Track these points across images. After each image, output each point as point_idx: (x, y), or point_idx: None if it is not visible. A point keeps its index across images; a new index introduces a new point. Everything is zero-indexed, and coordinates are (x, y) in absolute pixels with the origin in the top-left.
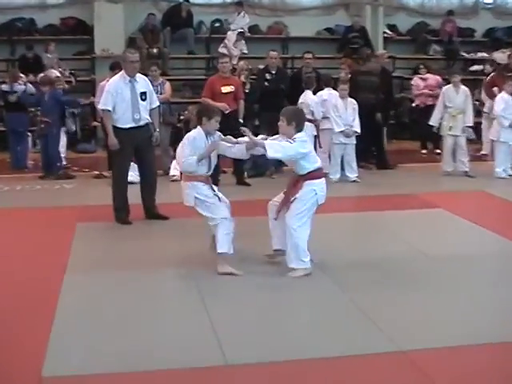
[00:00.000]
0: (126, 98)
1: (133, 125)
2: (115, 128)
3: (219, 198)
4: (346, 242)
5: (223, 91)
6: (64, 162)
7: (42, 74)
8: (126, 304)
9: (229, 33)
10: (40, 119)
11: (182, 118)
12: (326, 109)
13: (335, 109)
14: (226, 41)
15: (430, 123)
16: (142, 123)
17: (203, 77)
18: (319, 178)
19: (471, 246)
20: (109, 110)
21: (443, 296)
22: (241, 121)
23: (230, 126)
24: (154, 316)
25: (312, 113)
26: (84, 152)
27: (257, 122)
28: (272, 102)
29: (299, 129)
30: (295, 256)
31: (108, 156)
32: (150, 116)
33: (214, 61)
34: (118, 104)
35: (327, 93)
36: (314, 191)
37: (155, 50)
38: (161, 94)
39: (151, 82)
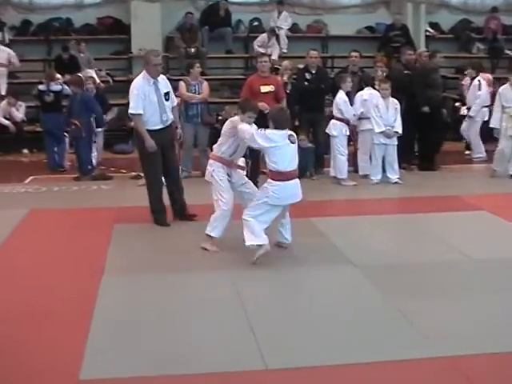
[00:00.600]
0: (153, 101)
1: (161, 126)
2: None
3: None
4: (388, 244)
5: (262, 91)
6: (94, 164)
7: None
8: (164, 306)
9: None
10: (71, 121)
11: (219, 118)
12: (366, 109)
13: (376, 109)
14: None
15: (491, 125)
16: (168, 124)
17: (241, 76)
18: (276, 180)
19: None
20: (140, 114)
21: (488, 300)
22: None
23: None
24: (193, 319)
25: (341, 112)
26: (121, 152)
27: (296, 123)
28: (312, 102)
29: (276, 127)
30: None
31: (140, 158)
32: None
33: (253, 60)
34: (147, 107)
35: (367, 92)
36: (266, 190)
37: (193, 50)
38: (198, 93)
39: (189, 81)
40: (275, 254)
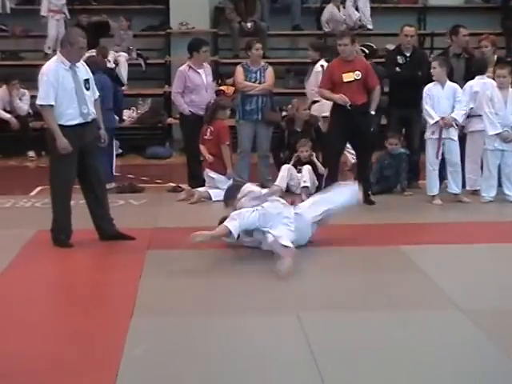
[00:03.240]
0: (68, 89)
1: (81, 120)
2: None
3: None
4: (505, 283)
5: (345, 80)
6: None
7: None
8: (210, 357)
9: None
10: None
11: (284, 114)
12: (477, 104)
13: (490, 104)
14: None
15: None
16: (89, 119)
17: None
18: None
19: None
20: (51, 105)
21: None
22: (372, 113)
23: (357, 124)
24: (245, 371)
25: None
26: (156, 157)
27: (384, 121)
28: (406, 94)
29: None
30: None
31: (188, 163)
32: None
33: (328, 39)
34: (60, 96)
35: (480, 82)
36: None
37: (249, 25)
38: (260, 82)
39: (249, 65)
40: (354, 292)
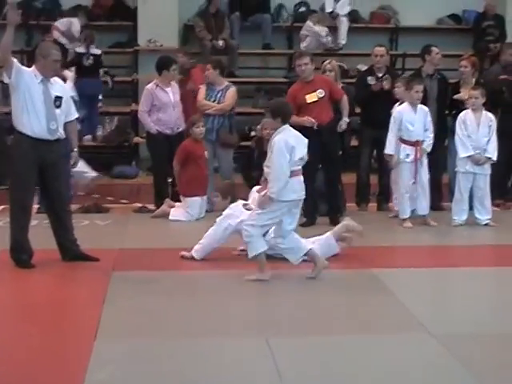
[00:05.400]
0: (37, 101)
1: (47, 137)
2: (21, 135)
3: None
4: (476, 307)
5: (309, 101)
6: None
7: None
8: (167, 379)
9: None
10: None
11: (253, 134)
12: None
13: (463, 125)
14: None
15: None
16: (57, 137)
17: (283, 79)
18: None
19: None
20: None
21: None
22: (346, 119)
23: (325, 144)
24: None
25: (405, 130)
26: (122, 177)
27: (355, 142)
28: (378, 114)
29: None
30: None
31: (154, 183)
32: (65, 130)
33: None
34: (28, 106)
35: None
36: None
37: (220, 43)
38: (219, 102)
39: (213, 85)
40: (325, 316)
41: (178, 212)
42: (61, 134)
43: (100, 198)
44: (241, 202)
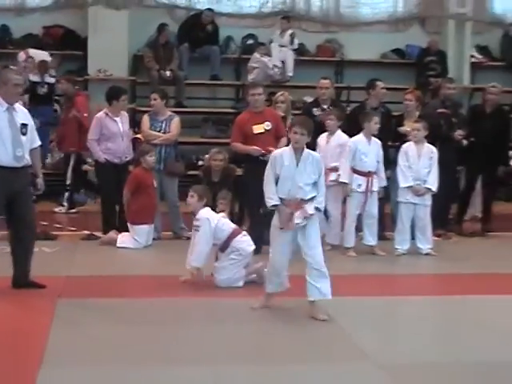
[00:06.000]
0: (3, 129)
1: (14, 164)
2: None
3: None
4: (418, 336)
5: (255, 132)
6: None
7: None
8: None
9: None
10: None
11: (200, 163)
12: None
13: (404, 157)
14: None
15: None
16: (22, 164)
17: (230, 110)
18: None
19: None
20: None
21: None
22: None
23: None
24: None
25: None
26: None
27: None
28: None
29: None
30: None
31: (102, 210)
32: (30, 157)
33: (245, 90)
34: None
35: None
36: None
37: (168, 73)
38: (165, 132)
39: (156, 115)
40: (270, 344)
41: (125, 239)
42: (27, 160)
43: (48, 225)
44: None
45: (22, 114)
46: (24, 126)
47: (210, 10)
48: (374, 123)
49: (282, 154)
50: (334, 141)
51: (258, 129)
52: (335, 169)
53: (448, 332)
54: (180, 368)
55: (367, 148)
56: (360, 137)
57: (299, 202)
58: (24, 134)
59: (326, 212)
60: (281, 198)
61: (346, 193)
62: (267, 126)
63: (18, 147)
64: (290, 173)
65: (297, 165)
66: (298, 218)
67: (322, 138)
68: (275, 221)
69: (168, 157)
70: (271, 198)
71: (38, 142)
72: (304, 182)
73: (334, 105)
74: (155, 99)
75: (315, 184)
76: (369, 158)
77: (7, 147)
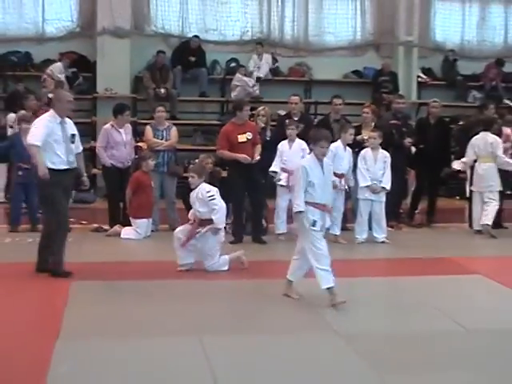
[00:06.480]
0: (59, 139)
1: (67, 167)
2: (48, 169)
3: None
4: (374, 310)
5: (240, 140)
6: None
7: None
8: (123, 375)
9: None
10: (18, 165)
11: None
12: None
13: (363, 160)
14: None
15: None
16: (72, 166)
17: (216, 122)
18: None
19: None
20: (38, 146)
21: (485, 377)
22: (258, 157)
23: (251, 177)
24: None
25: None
26: (82, 202)
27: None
28: None
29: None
30: None
31: (109, 207)
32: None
33: (230, 104)
34: (52, 144)
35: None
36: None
37: (163, 91)
38: (166, 140)
39: (156, 125)
40: (249, 318)
41: (128, 231)
42: (75, 163)
43: None
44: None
45: (71, 126)
46: (73, 135)
47: (196, 36)
48: (350, 134)
49: (310, 164)
50: (296, 146)
51: (241, 138)
52: None
53: (397, 307)
54: (174, 338)
55: (343, 154)
56: (338, 144)
57: (328, 206)
58: (73, 142)
59: None
60: (316, 203)
61: None
62: (249, 135)
63: (69, 154)
64: (320, 180)
65: (323, 173)
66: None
67: (283, 145)
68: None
69: (170, 160)
70: (299, 205)
71: (81, 148)
72: (330, 188)
73: (303, 117)
74: (162, 111)
75: None
76: (343, 162)
77: (62, 155)
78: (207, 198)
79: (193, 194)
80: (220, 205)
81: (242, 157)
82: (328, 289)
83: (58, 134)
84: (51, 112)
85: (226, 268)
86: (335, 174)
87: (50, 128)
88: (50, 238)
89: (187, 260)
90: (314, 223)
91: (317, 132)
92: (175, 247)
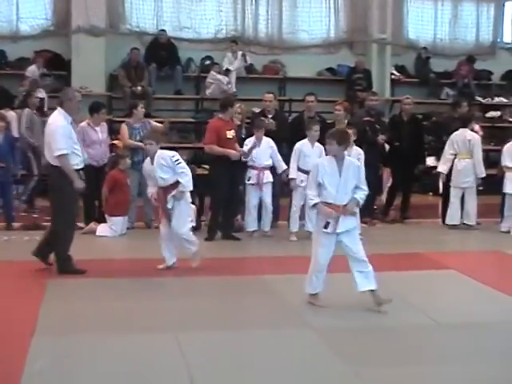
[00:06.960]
0: (75, 139)
1: (82, 166)
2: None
3: None
4: (347, 305)
5: (228, 136)
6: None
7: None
8: (99, 371)
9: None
10: None
11: None
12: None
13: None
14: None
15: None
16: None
17: (191, 120)
18: None
19: (487, 311)
20: (67, 154)
21: (456, 370)
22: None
23: (234, 173)
24: None
25: (303, 161)
26: None
27: None
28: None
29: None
30: None
31: (84, 205)
32: None
33: (204, 102)
34: (72, 146)
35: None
36: None
37: (139, 89)
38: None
39: (131, 123)
40: (224, 315)
41: (103, 229)
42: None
43: (38, 217)
44: None
45: (73, 124)
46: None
47: (163, 30)
48: (315, 131)
49: (323, 163)
50: (265, 144)
51: (229, 134)
52: (268, 167)
53: (370, 302)
54: (150, 335)
55: (310, 151)
56: (305, 141)
57: (344, 207)
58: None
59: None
60: (327, 203)
61: (293, 187)
62: (233, 132)
63: (83, 153)
64: (334, 181)
65: (340, 175)
66: (341, 224)
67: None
68: (318, 226)
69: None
70: (312, 199)
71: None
72: (348, 190)
73: (277, 114)
74: (142, 108)
75: (356, 187)
76: (311, 159)
77: (80, 154)
78: (173, 163)
79: (148, 165)
80: (187, 167)
81: (233, 153)
82: (311, 295)
83: (74, 133)
84: (61, 111)
85: (194, 249)
86: (302, 171)
87: (68, 129)
88: (56, 236)
89: (172, 260)
90: (326, 225)
91: (328, 132)
92: (162, 248)
